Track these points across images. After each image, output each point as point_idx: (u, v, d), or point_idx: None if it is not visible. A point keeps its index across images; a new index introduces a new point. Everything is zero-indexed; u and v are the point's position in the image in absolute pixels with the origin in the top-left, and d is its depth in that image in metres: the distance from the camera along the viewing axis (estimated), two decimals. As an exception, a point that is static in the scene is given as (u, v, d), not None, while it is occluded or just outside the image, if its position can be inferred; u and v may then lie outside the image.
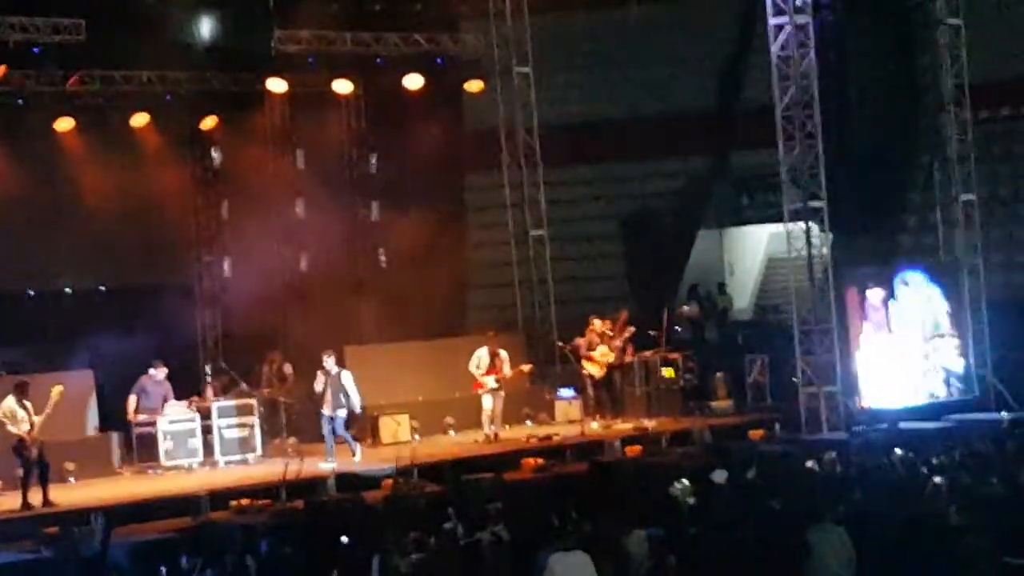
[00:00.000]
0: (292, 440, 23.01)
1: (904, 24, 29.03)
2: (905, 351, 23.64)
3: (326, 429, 21.18)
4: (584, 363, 24.05)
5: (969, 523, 12.46)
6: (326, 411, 21.18)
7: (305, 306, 26.49)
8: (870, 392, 22.94)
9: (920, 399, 23.50)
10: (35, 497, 18.95)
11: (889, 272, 24.09)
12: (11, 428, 19.10)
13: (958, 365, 24.06)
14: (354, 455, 21.00)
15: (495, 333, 23.46)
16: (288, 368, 23.78)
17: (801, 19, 22.10)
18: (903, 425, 21.66)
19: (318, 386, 21.27)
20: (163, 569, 13.71)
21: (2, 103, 24.05)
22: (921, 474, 15.35)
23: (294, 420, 23.42)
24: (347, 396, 21.23)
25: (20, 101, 24.33)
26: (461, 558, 13.14)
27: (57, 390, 19.53)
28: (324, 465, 20.49)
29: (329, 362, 21.25)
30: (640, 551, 12.69)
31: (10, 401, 19.16)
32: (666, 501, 14.78)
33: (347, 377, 21.30)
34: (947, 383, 24.00)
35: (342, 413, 21.21)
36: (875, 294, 23.41)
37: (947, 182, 24.72)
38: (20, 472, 19.18)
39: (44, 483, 19.07)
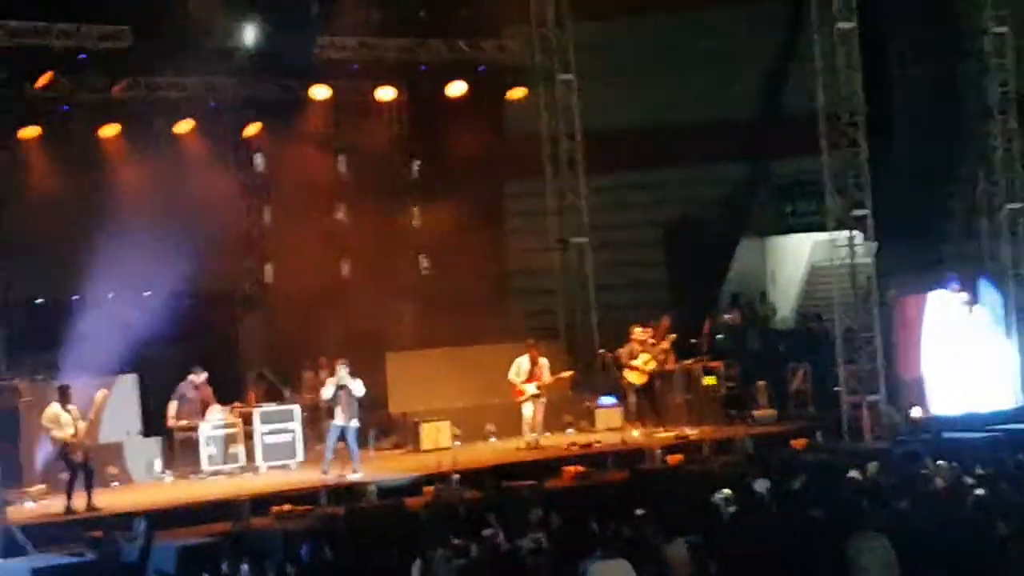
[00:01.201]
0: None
1: (950, 32, 28.86)
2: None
3: (334, 439, 21.03)
4: (625, 371, 23.99)
5: (1014, 534, 12.38)
6: (339, 420, 21.07)
7: (347, 312, 26.52)
8: (938, 400, 22.83)
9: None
10: (79, 501, 19.08)
11: (923, 282, 24.01)
12: (56, 433, 19.27)
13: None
14: (355, 471, 20.75)
15: (536, 340, 23.46)
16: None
17: (846, 26, 22.02)
18: (947, 435, 21.53)
19: (327, 393, 21.17)
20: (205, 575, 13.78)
21: (48, 109, 24.20)
22: (964, 485, 15.25)
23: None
24: (357, 404, 21.19)
25: (66, 107, 24.49)
26: (502, 565, 13.13)
27: (102, 394, 19.72)
28: (353, 476, 20.43)
29: (343, 371, 21.20)
30: (680, 559, 12.65)
31: (55, 406, 19.34)
32: (707, 509, 14.73)
33: (358, 387, 21.22)
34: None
35: (355, 423, 21.13)
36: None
37: (992, 190, 24.60)
38: (65, 476, 19.35)
39: (88, 487, 19.21)
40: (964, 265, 25.94)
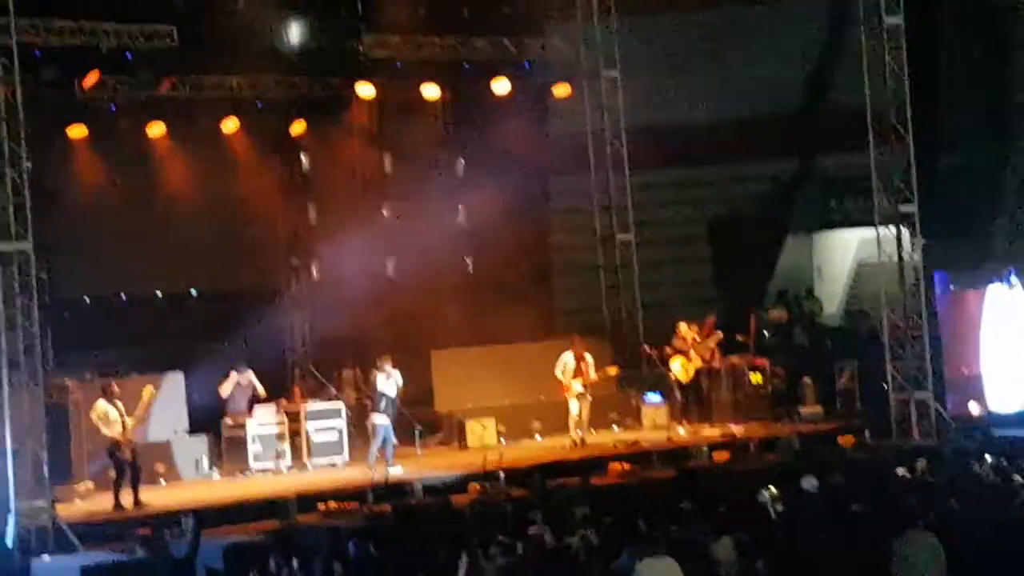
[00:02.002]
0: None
1: (997, 25, 28.63)
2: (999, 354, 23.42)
3: (384, 436, 21.11)
4: (671, 368, 23.93)
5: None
6: (387, 419, 21.12)
7: (392, 310, 26.58)
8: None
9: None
10: (127, 498, 19.20)
11: (971, 278, 23.82)
12: (105, 430, 19.40)
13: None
14: (393, 464, 20.86)
15: (581, 337, 23.43)
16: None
17: (892, 20, 21.88)
18: (997, 432, 21.37)
19: (392, 390, 21.17)
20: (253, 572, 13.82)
21: (95, 108, 24.37)
22: (1014, 482, 15.13)
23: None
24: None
25: (113, 106, 24.65)
26: (548, 563, 13.11)
27: (148, 391, 19.81)
28: (395, 470, 20.56)
29: (389, 367, 21.27)
30: (728, 557, 12.61)
31: (102, 403, 19.47)
32: (754, 507, 14.68)
33: (399, 377, 21.35)
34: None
35: None
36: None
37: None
38: (113, 473, 19.47)
39: (136, 484, 19.33)
40: (1013, 260, 25.73)
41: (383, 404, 20.97)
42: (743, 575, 12.51)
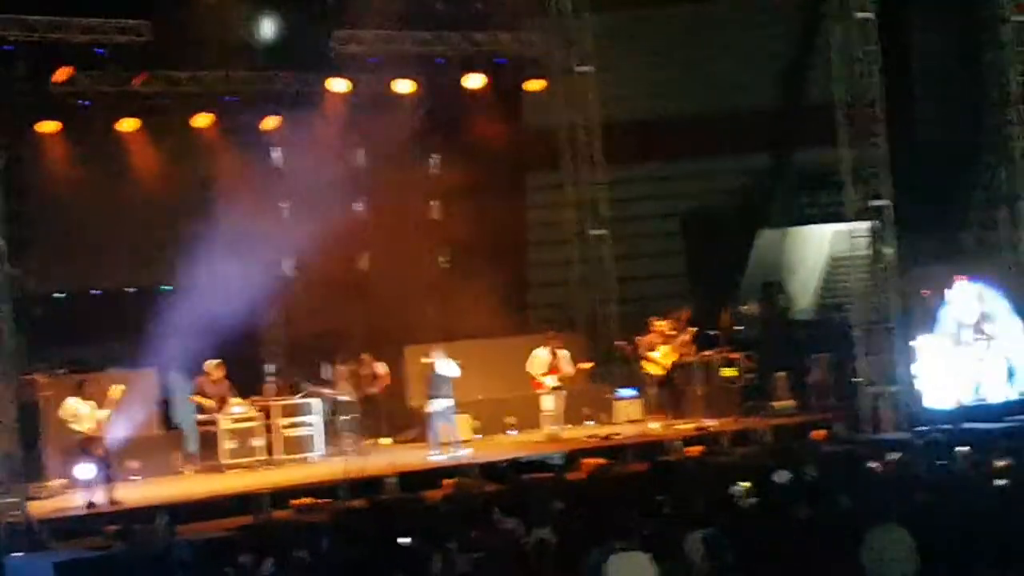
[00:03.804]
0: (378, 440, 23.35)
1: (970, 21, 28.73)
2: (951, 352, 23.61)
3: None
4: (644, 363, 23.97)
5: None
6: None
7: (366, 305, 26.53)
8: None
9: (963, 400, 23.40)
10: (100, 496, 19.14)
11: (943, 273, 23.94)
12: (75, 427, 19.34)
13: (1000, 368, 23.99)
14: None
15: (555, 332, 23.46)
16: (381, 368, 23.88)
17: (864, 14, 21.94)
18: (967, 425, 21.46)
19: (454, 372, 21.93)
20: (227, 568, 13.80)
21: (67, 104, 24.26)
22: (986, 475, 15.19)
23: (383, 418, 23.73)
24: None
25: (85, 102, 24.54)
26: (521, 557, 13.11)
27: (117, 389, 19.73)
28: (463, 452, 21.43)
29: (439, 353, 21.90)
30: (700, 552, 12.62)
31: (72, 401, 19.39)
32: (727, 501, 14.71)
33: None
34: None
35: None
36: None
37: (1011, 180, 24.51)
38: (86, 470, 19.41)
39: (109, 481, 19.27)
40: (984, 256, 25.87)
41: (444, 389, 21.53)
42: (715, 570, 12.53)
